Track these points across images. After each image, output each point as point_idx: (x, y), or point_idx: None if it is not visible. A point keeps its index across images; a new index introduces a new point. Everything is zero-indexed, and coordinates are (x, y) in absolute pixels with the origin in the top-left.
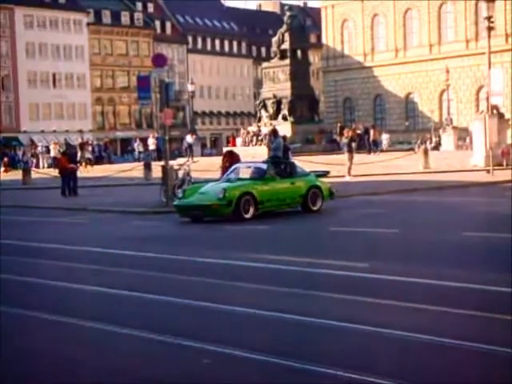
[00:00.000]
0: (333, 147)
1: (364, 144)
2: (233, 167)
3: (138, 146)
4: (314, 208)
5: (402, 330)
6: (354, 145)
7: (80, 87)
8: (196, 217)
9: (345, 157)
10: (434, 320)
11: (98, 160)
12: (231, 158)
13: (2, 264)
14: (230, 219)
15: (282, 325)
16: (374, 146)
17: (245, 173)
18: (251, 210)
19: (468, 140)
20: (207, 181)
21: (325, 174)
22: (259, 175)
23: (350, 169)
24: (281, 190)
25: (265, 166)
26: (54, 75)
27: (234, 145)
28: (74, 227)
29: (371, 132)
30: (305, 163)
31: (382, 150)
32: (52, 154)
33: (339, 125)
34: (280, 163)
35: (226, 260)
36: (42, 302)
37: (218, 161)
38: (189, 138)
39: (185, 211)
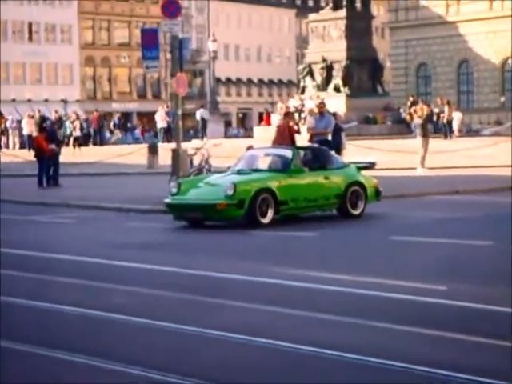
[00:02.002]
0: (401, 129)
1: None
2: (246, 154)
3: (160, 120)
4: (355, 212)
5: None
6: (430, 127)
7: (65, 42)
8: (194, 220)
9: (417, 142)
10: None
11: (85, 140)
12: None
13: None
14: (240, 224)
15: (336, 366)
16: (449, 129)
17: (262, 162)
18: (270, 213)
19: None
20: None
21: (370, 165)
22: (282, 166)
23: (423, 159)
24: (310, 187)
25: (289, 154)
26: (30, 25)
27: (269, 123)
28: (54, 229)
29: (446, 110)
30: (363, 150)
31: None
32: (26, 130)
33: (411, 99)
34: (308, 150)
35: (259, 277)
36: (9, 327)
37: (246, 144)
38: (202, 113)
39: (180, 212)
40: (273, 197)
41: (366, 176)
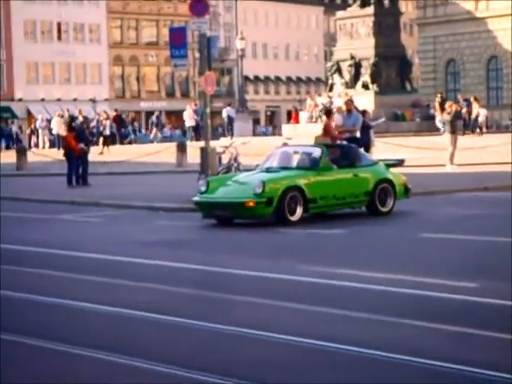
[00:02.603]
0: (430, 126)
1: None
2: (275, 152)
3: (188, 118)
4: (384, 209)
5: None
6: (459, 123)
7: (93, 42)
8: (223, 218)
9: (445, 139)
10: None
11: (113, 139)
12: None
13: None
14: (269, 222)
15: (358, 362)
16: (476, 125)
17: (291, 160)
18: (298, 211)
19: None
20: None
21: (399, 163)
22: (310, 164)
23: (452, 155)
24: (339, 185)
25: (318, 152)
26: (58, 25)
27: (297, 121)
28: (83, 227)
29: (473, 106)
30: (391, 147)
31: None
32: (55, 130)
33: (439, 96)
34: (336, 148)
35: (287, 275)
36: (38, 325)
37: (274, 142)
38: (229, 111)
39: (208, 210)
40: (301, 195)
41: (394, 173)
